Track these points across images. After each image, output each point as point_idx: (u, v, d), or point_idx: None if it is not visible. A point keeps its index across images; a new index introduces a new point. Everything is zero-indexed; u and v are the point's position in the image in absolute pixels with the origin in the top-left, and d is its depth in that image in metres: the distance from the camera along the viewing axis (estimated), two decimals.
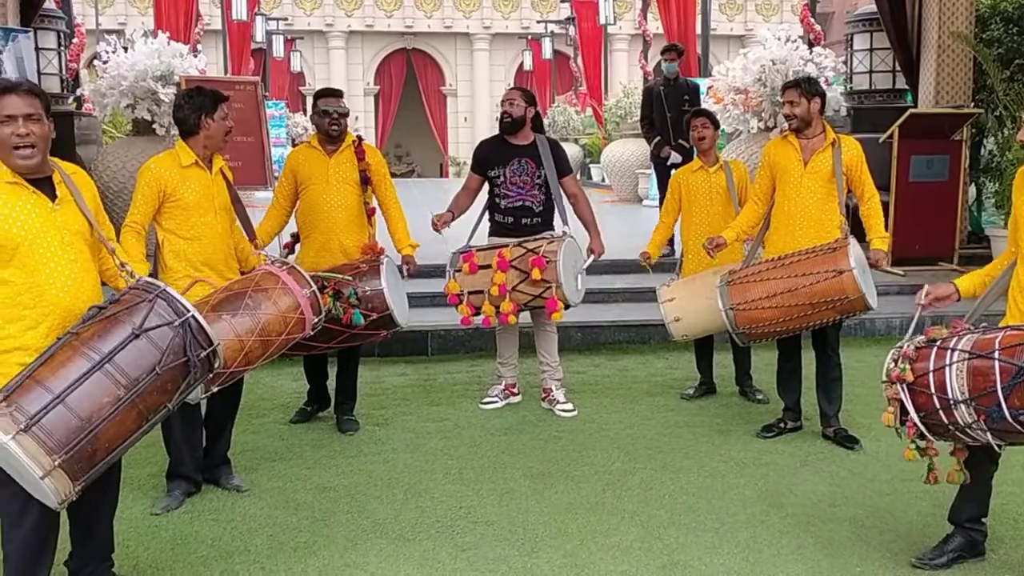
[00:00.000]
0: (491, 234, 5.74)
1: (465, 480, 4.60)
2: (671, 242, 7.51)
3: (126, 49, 9.23)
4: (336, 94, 5.34)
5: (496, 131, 5.80)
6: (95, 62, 9.43)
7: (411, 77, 35.19)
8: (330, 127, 5.20)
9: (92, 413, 2.83)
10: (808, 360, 5.25)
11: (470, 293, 5.43)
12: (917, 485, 4.21)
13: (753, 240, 5.32)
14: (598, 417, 5.62)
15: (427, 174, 35.15)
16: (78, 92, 10.45)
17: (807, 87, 5.03)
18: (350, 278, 4.80)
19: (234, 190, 4.47)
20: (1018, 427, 3.13)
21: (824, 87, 9.33)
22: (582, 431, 5.36)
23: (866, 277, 4.71)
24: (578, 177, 5.60)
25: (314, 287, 4.10)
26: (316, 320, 4.08)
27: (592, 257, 5.66)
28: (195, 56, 9.63)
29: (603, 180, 19.12)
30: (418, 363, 6.96)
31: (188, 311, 3.09)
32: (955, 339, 3.32)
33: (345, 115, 5.27)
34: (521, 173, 5.58)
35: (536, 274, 5.24)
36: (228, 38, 19.85)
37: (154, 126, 9.16)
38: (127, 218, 4.26)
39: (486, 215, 5.80)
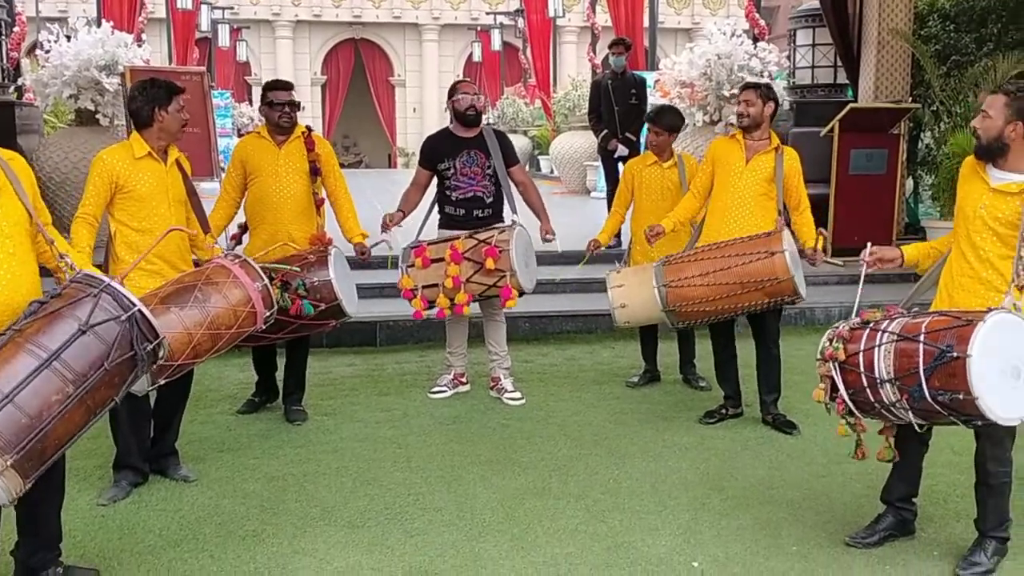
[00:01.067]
0: (441, 227, 5.79)
1: (414, 468, 4.66)
2: (618, 234, 7.61)
3: (69, 38, 9.10)
4: (286, 86, 5.32)
5: (445, 123, 5.83)
6: (37, 51, 9.27)
7: (359, 67, 34.99)
8: (280, 119, 5.19)
9: (42, 411, 2.82)
10: (749, 349, 5.38)
11: (424, 287, 5.48)
12: (852, 467, 4.37)
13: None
14: (545, 405, 5.71)
15: (375, 165, 35.01)
16: (19, 81, 10.25)
17: (766, 91, 5.21)
18: (298, 269, 4.81)
19: (190, 182, 4.45)
20: (937, 407, 3.28)
21: (768, 81, 9.56)
22: (529, 419, 5.44)
23: (798, 268, 4.87)
24: (527, 168, 5.69)
25: (266, 281, 4.12)
26: (268, 314, 4.10)
27: (552, 238, 5.70)
28: (139, 46, 9.50)
29: (552, 172, 19.25)
30: (367, 354, 6.99)
31: (134, 305, 3.09)
32: (887, 322, 3.47)
33: (296, 106, 5.27)
34: (471, 164, 5.64)
35: (490, 264, 5.30)
36: (172, 27, 19.57)
37: (97, 116, 9.05)
38: (79, 208, 4.24)
39: (435, 209, 5.84)
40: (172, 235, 4.24)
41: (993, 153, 3.56)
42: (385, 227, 5.54)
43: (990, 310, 3.30)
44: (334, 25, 34.26)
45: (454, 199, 5.68)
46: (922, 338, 3.30)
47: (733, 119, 5.25)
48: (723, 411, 5.36)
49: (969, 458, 3.74)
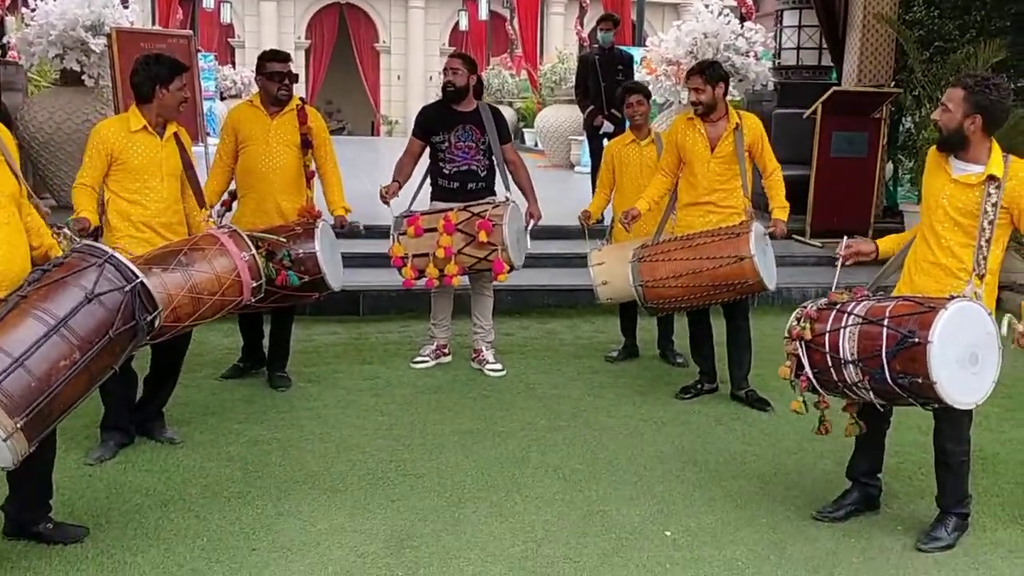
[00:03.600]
0: (434, 199, 5.84)
1: (396, 436, 4.76)
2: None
3: None
4: (285, 58, 5.35)
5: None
6: (23, 9, 9.19)
7: (344, 33, 34.66)
8: (279, 91, 5.22)
9: (50, 375, 2.90)
10: (721, 328, 5.50)
11: (414, 256, 5.55)
12: (822, 445, 4.51)
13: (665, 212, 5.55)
14: (525, 377, 5.82)
15: (358, 132, 34.77)
16: (3, 40, 10.16)
17: (711, 73, 5.19)
18: (284, 239, 4.87)
19: (187, 156, 4.49)
20: (898, 389, 3.43)
21: (753, 61, 9.64)
22: (510, 390, 5.55)
23: (766, 259, 5.00)
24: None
25: (254, 252, 4.19)
26: (255, 284, 4.16)
27: (532, 221, 5.82)
28: (126, 7, 9.44)
29: (536, 145, 19.24)
30: (350, 323, 7.06)
31: (137, 277, 3.19)
32: (853, 304, 3.60)
33: (294, 78, 5.28)
34: (466, 139, 5.69)
35: (483, 237, 5.38)
36: None
37: (83, 77, 9.00)
38: (77, 178, 4.32)
39: (427, 180, 5.90)
40: (162, 205, 4.30)
41: (954, 145, 3.66)
42: (384, 199, 5.60)
43: (952, 298, 3.43)
44: None
45: (448, 172, 5.74)
46: (886, 322, 3.44)
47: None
48: (698, 386, 5.49)
49: None
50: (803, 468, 4.48)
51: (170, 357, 4.48)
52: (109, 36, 8.57)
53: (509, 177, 5.81)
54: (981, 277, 3.56)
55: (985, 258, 3.57)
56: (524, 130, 21.97)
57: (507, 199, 5.61)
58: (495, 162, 5.76)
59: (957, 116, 3.60)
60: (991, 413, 5.20)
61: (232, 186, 5.44)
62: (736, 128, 5.20)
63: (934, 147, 3.79)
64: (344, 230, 5.47)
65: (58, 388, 2.92)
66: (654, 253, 5.17)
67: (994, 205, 3.54)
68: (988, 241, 3.56)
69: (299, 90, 32.56)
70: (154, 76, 4.27)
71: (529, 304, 7.59)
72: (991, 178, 3.55)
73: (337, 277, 5.23)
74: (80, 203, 4.21)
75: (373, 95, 35.16)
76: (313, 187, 5.43)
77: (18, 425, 2.82)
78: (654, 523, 3.85)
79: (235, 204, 5.42)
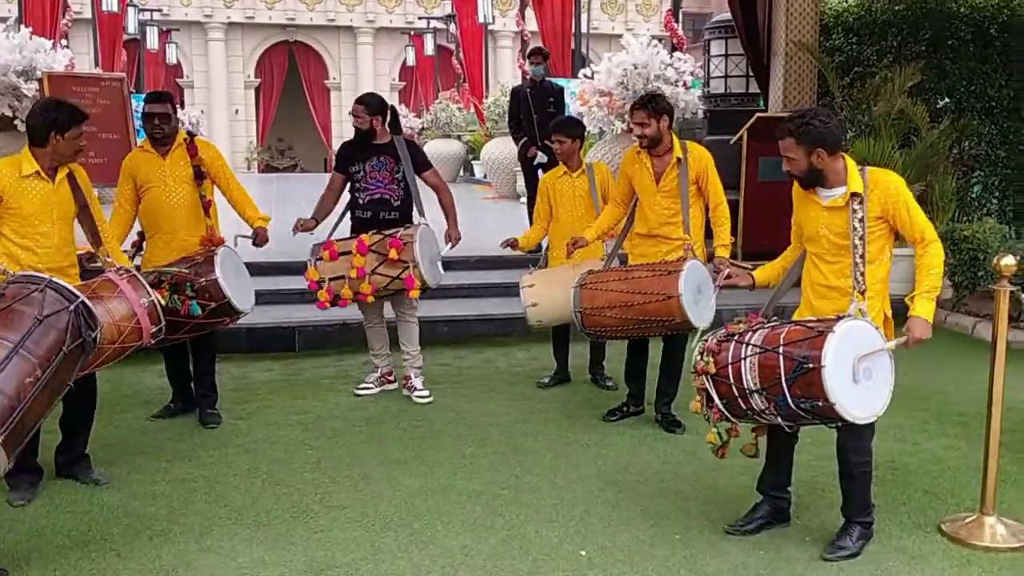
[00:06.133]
0: (352, 231, 5.96)
1: (323, 468, 4.81)
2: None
3: None
4: (161, 98, 5.41)
5: None
6: None
7: (293, 70, 34.75)
8: (153, 131, 5.31)
9: (19, 392, 3.11)
10: (657, 349, 5.61)
11: (331, 279, 5.72)
12: (740, 462, 4.57)
13: (615, 239, 5.70)
14: (457, 406, 5.90)
15: (310, 169, 34.80)
16: None
17: (654, 107, 5.22)
18: (187, 270, 4.96)
19: (82, 196, 4.49)
20: (801, 413, 3.55)
21: (682, 90, 9.88)
22: (440, 419, 5.63)
23: (701, 297, 5.03)
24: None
25: (153, 297, 4.26)
26: (155, 329, 4.24)
27: (449, 245, 5.97)
28: (59, 50, 9.46)
29: (484, 177, 19.43)
30: (285, 359, 7.10)
31: (77, 297, 3.44)
32: (749, 333, 3.73)
33: (167, 117, 5.32)
34: (380, 168, 5.85)
35: (393, 254, 5.54)
36: (99, 29, 19.33)
37: (15, 122, 8.97)
38: None
39: (347, 215, 6.03)
40: (52, 250, 4.30)
41: (814, 182, 3.81)
42: (295, 230, 5.82)
43: (839, 318, 3.58)
44: (267, 27, 33.97)
45: (362, 202, 5.89)
46: (781, 350, 3.56)
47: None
48: (624, 408, 5.61)
49: None
50: (720, 484, 4.60)
51: (80, 402, 4.48)
52: (41, 80, 8.59)
53: (428, 203, 5.95)
54: (863, 293, 3.72)
55: (863, 274, 3.72)
56: (473, 162, 22.15)
57: (420, 222, 5.75)
58: (411, 192, 5.89)
59: (801, 160, 3.75)
60: (905, 424, 5.39)
61: (138, 226, 5.50)
62: (679, 162, 5.27)
63: (796, 183, 3.91)
64: (262, 243, 5.55)
65: (27, 403, 3.13)
66: (596, 281, 5.27)
67: (861, 220, 3.70)
68: (862, 257, 3.72)
69: (250, 128, 32.67)
70: (51, 123, 4.25)
71: (466, 333, 7.68)
72: (854, 195, 3.72)
73: (245, 300, 5.30)
74: None
75: (324, 131, 35.21)
76: (213, 215, 5.47)
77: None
78: (571, 543, 3.95)
79: (144, 244, 5.47)
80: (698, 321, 5.03)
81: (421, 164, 5.98)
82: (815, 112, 3.82)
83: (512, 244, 6.12)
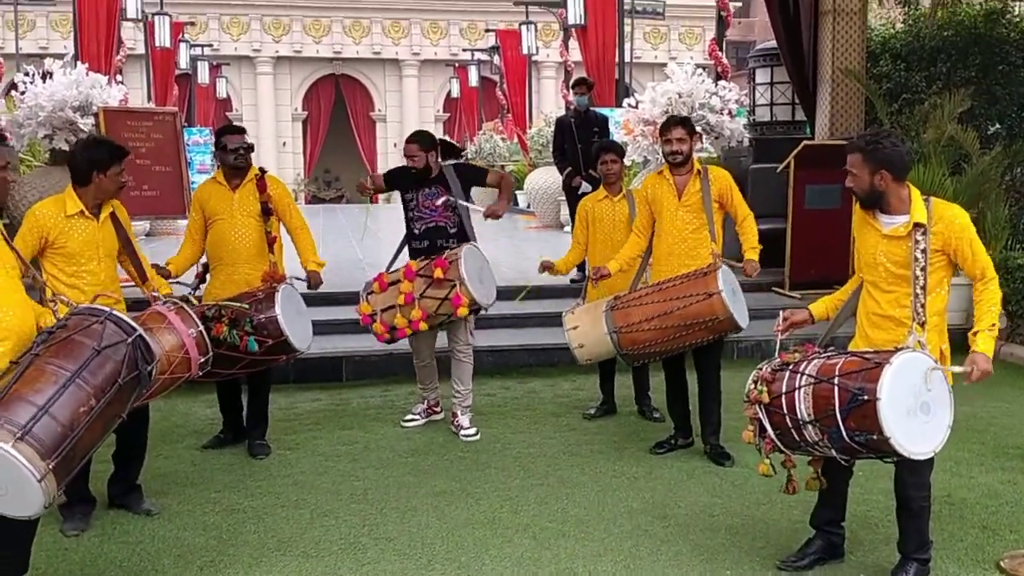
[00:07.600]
0: (410, 259, 5.96)
1: (370, 500, 4.82)
2: (582, 267, 7.81)
3: (45, 78, 9.29)
4: (239, 131, 5.54)
5: None
6: (12, 92, 9.45)
7: (340, 102, 35.28)
8: (236, 161, 5.40)
9: (73, 421, 3.17)
10: (694, 380, 5.57)
11: (382, 311, 5.72)
12: (791, 496, 4.52)
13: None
14: (503, 437, 5.88)
15: (356, 200, 35.19)
16: None
17: (691, 126, 5.40)
18: (247, 306, 4.99)
19: (125, 233, 4.56)
20: (856, 447, 3.47)
21: (727, 118, 9.86)
22: (486, 451, 5.61)
23: (736, 298, 5.09)
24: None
25: (201, 328, 4.31)
26: (203, 360, 4.28)
27: (485, 216, 5.88)
28: (114, 85, 9.69)
29: (528, 207, 19.49)
30: (332, 389, 7.15)
31: (136, 330, 3.49)
32: (804, 363, 3.67)
33: (249, 149, 5.46)
34: (433, 197, 5.86)
35: (439, 273, 5.53)
36: (152, 64, 19.82)
37: None
38: None
39: (406, 247, 6.04)
40: (99, 287, 4.32)
41: (874, 202, 3.78)
42: (361, 187, 6.06)
43: (897, 350, 3.51)
44: (314, 61, 34.59)
45: (418, 231, 5.92)
46: (836, 380, 3.50)
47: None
48: (672, 441, 5.56)
49: None
50: (771, 519, 4.53)
51: (133, 433, 4.53)
52: (96, 115, 8.80)
53: (477, 229, 5.98)
54: (923, 324, 3.66)
55: (923, 305, 3.66)
56: (516, 193, 22.24)
57: (469, 244, 5.77)
58: (463, 220, 5.91)
59: (864, 177, 3.72)
60: (962, 458, 5.26)
61: (204, 259, 5.58)
62: (699, 174, 5.33)
63: (857, 205, 3.88)
64: (315, 287, 5.57)
65: (80, 432, 3.18)
66: (627, 301, 5.29)
67: (923, 252, 3.65)
68: (923, 288, 3.66)
69: (297, 161, 33.13)
70: (93, 162, 4.32)
71: (510, 364, 7.68)
72: (917, 225, 3.67)
73: (303, 339, 5.32)
74: None
75: (370, 163, 35.63)
76: (277, 251, 5.53)
77: (50, 466, 3.06)
78: None
79: (208, 276, 5.56)
80: (742, 320, 5.03)
81: (474, 178, 6.05)
82: (888, 133, 3.80)
83: (549, 267, 6.11)
